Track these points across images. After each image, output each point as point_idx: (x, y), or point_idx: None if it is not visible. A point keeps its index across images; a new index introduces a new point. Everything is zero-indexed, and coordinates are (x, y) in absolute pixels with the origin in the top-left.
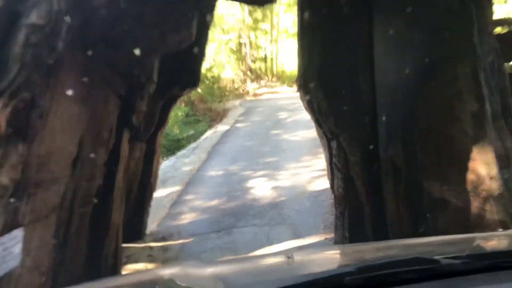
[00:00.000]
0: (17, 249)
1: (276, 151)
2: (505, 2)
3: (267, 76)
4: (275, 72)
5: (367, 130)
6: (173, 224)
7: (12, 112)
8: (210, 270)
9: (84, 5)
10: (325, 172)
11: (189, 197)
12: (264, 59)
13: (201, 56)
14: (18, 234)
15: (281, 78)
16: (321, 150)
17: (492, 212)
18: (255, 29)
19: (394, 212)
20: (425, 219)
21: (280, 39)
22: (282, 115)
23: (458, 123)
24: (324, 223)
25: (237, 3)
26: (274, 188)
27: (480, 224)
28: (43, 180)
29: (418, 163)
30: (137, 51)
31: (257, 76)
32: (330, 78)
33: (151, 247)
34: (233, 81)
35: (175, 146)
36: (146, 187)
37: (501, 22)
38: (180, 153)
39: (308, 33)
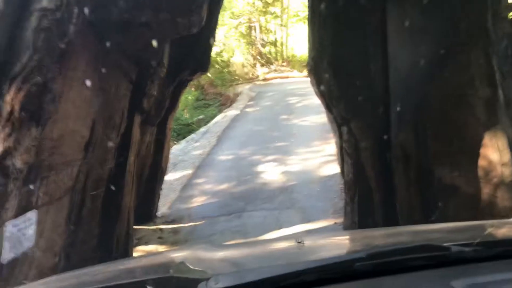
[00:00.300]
0: (31, 230)
1: (286, 136)
2: None
3: (277, 60)
4: (285, 57)
5: (378, 116)
6: (184, 207)
7: (25, 96)
8: (221, 254)
9: None
10: (335, 158)
11: (199, 180)
12: (274, 43)
13: (211, 40)
14: (31, 216)
15: (291, 62)
16: (331, 135)
17: (503, 199)
18: (265, 12)
19: (404, 198)
20: (435, 206)
21: (290, 23)
22: (292, 100)
23: (470, 109)
24: (334, 208)
25: None
26: (284, 172)
27: (490, 211)
28: (56, 163)
29: (429, 149)
30: (148, 36)
31: (267, 61)
32: (341, 63)
33: (161, 230)
34: (242, 66)
35: (186, 130)
36: (157, 171)
37: None
38: (190, 137)
39: (319, 18)
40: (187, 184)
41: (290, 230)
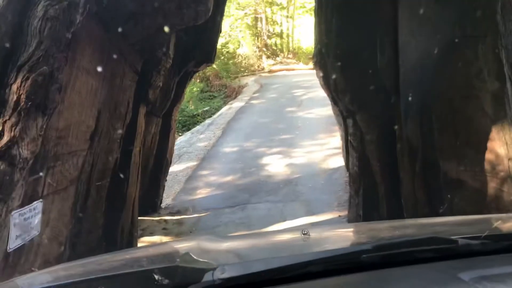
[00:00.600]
0: (37, 220)
1: (291, 129)
2: None
3: (283, 52)
4: (291, 49)
5: (383, 109)
6: (188, 198)
7: (31, 85)
8: (225, 245)
9: None
10: (340, 150)
11: (204, 172)
12: (280, 35)
13: (217, 31)
14: (37, 205)
15: (297, 54)
16: (336, 128)
17: (509, 193)
18: (271, 4)
19: (410, 191)
20: (441, 199)
21: (296, 14)
22: (298, 92)
23: (477, 102)
24: (338, 200)
25: None
26: (289, 165)
27: (497, 205)
28: (62, 153)
29: (435, 142)
30: (154, 26)
31: (272, 52)
32: (347, 56)
33: (166, 221)
34: (248, 57)
35: (190, 122)
36: (162, 162)
37: None
38: (195, 129)
39: (326, 10)
40: (192, 176)
41: (294, 223)
